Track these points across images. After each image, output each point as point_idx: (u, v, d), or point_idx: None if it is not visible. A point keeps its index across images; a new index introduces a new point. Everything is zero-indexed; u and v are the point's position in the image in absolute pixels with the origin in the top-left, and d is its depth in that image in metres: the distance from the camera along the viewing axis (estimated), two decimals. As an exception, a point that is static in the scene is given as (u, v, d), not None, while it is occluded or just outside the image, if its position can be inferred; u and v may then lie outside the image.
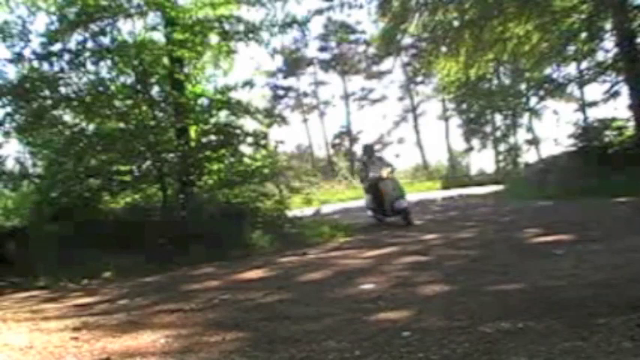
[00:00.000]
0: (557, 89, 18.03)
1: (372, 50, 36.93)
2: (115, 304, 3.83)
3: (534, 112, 32.08)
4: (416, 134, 41.88)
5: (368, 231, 8.24)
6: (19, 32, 7.43)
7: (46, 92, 7.55)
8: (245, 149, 8.38)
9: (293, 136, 51.54)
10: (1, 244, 6.42)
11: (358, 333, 2.36)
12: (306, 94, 43.50)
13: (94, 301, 4.10)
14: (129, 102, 7.69)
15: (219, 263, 5.89)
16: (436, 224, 8.14)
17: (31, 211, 7.44)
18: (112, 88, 7.66)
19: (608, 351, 1.82)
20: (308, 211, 8.97)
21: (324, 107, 43.66)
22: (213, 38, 8.14)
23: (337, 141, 43.90)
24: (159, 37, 7.90)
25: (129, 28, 7.73)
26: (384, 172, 8.68)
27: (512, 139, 35.95)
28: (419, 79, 40.01)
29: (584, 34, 13.15)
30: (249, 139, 8.18)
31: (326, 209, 11.42)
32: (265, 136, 8.33)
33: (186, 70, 7.98)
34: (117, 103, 7.68)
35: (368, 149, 9.75)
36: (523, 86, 28.13)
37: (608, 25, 13.10)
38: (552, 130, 55.05)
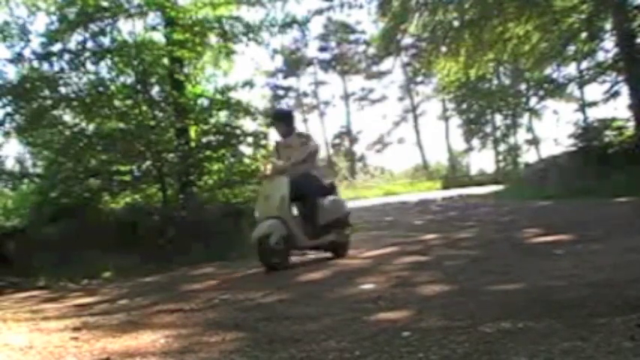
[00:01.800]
0: (557, 89, 18.09)
1: (372, 50, 37.02)
2: (115, 304, 3.83)
3: (534, 112, 32.19)
4: (416, 134, 42.04)
5: (368, 231, 8.23)
6: (19, 32, 7.45)
7: (46, 92, 7.56)
8: (245, 149, 8.39)
9: (293, 136, 51.50)
10: (1, 244, 6.43)
11: (358, 333, 2.35)
12: (306, 94, 43.67)
13: (94, 301, 4.10)
14: (129, 102, 7.70)
15: (219, 263, 5.89)
16: (436, 224, 8.13)
17: (31, 211, 7.44)
18: (112, 88, 7.66)
19: (608, 351, 1.82)
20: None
21: (324, 107, 43.92)
22: (213, 38, 8.15)
23: (337, 141, 44.04)
24: (159, 37, 7.92)
25: (129, 28, 7.76)
26: (267, 167, 5.20)
27: (512, 139, 36.06)
28: (419, 79, 40.14)
29: (584, 34, 13.18)
30: (249, 139, 8.17)
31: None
32: (265, 136, 8.32)
33: (186, 70, 7.98)
34: (117, 103, 7.69)
35: (279, 119, 5.43)
36: (523, 86, 28.24)
37: (608, 25, 13.12)
38: (552, 130, 55.29)
